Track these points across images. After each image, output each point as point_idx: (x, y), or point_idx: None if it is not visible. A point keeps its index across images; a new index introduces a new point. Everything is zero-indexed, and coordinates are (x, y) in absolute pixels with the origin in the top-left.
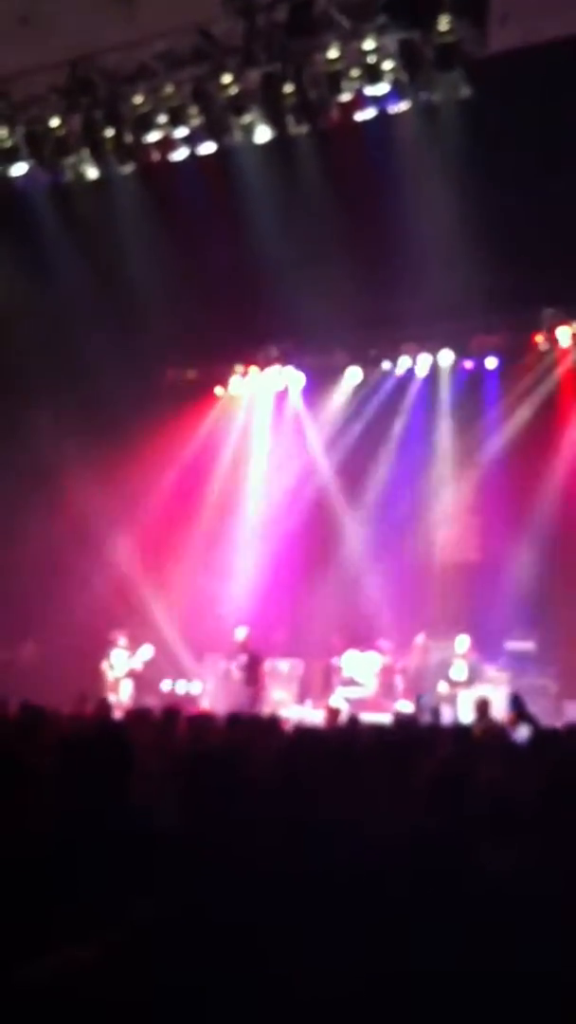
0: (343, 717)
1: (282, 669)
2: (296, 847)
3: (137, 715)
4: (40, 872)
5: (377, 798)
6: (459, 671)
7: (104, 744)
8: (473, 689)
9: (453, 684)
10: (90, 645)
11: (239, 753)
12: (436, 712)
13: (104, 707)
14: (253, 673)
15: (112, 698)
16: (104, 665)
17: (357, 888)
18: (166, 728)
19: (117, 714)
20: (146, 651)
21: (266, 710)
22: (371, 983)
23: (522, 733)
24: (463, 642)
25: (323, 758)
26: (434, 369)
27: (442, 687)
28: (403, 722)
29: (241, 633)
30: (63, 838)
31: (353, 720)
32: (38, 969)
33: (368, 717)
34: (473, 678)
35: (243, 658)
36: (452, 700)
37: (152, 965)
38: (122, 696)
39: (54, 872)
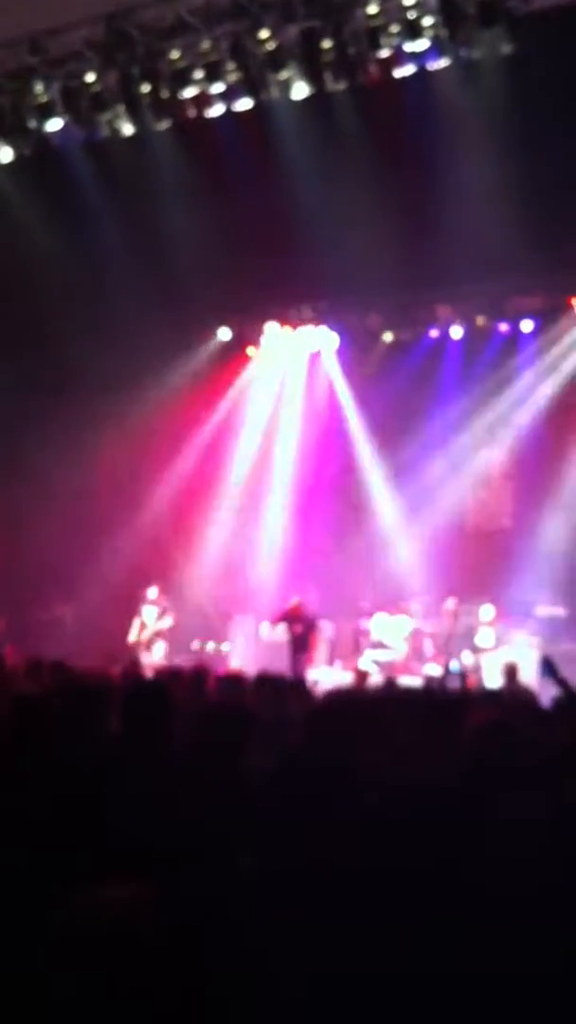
0: (373, 680)
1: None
2: (326, 798)
3: (168, 673)
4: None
5: (407, 757)
6: (485, 639)
7: (143, 698)
8: (499, 653)
9: (478, 651)
10: (124, 605)
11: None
12: (464, 677)
13: (134, 667)
14: (305, 640)
15: (144, 657)
16: (136, 623)
17: (388, 835)
18: (196, 686)
19: (148, 673)
20: (167, 621)
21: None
22: (404, 928)
23: (551, 696)
24: (488, 611)
25: (354, 716)
26: (469, 332)
27: (466, 656)
28: (433, 686)
29: (294, 600)
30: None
31: (390, 682)
32: (77, 901)
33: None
34: (499, 645)
35: (297, 625)
36: (478, 666)
37: (189, 907)
38: (154, 656)
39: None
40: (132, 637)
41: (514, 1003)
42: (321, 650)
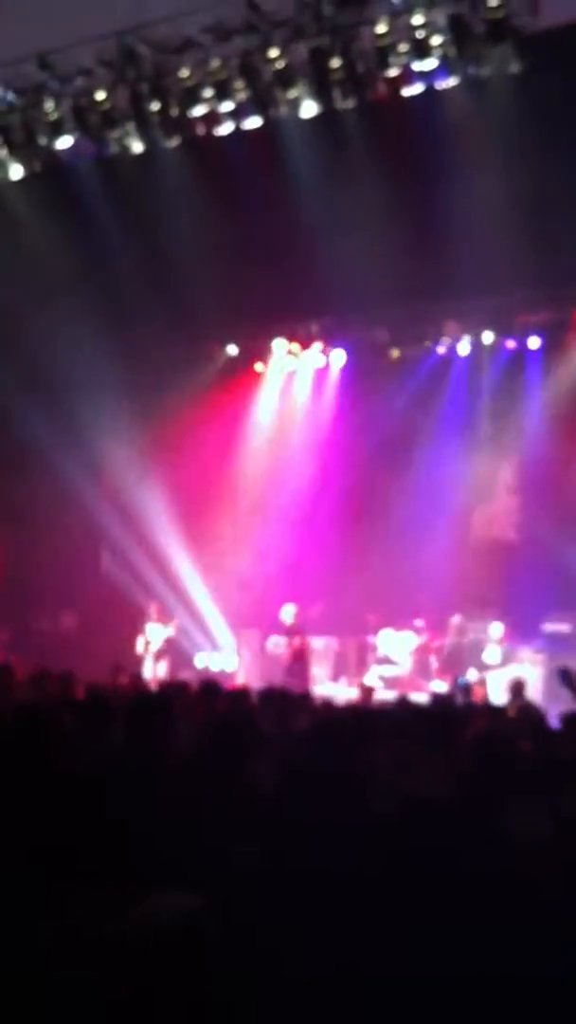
0: (378, 695)
1: (317, 646)
2: (329, 808)
3: (174, 687)
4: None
5: (410, 768)
6: (492, 656)
7: (148, 713)
8: (506, 670)
9: (485, 668)
10: (128, 616)
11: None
12: (468, 692)
13: (139, 680)
14: (303, 653)
15: (147, 670)
16: (139, 639)
17: (391, 843)
18: (205, 700)
19: (152, 687)
20: (171, 627)
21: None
22: (405, 931)
23: (559, 711)
24: (497, 628)
25: (358, 729)
26: (476, 348)
27: (472, 673)
28: (440, 701)
29: (290, 611)
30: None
31: (402, 699)
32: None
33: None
34: (506, 662)
35: (296, 638)
36: (484, 683)
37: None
38: (158, 670)
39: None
40: (139, 649)
41: (515, 1006)
42: (324, 663)
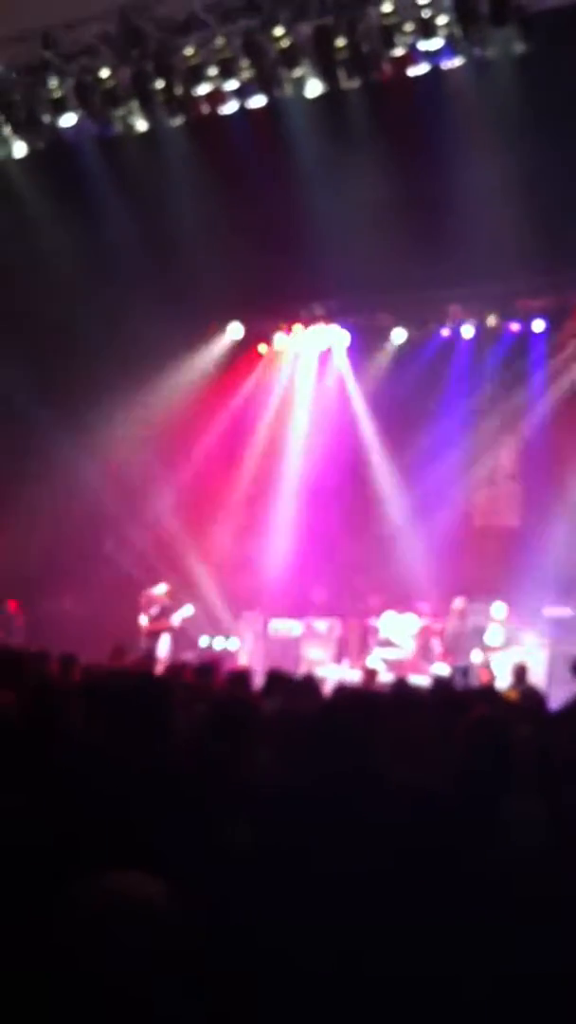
0: (381, 678)
1: (319, 629)
2: (332, 795)
3: (174, 669)
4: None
5: (415, 755)
6: (495, 637)
7: (145, 695)
8: (508, 654)
9: (488, 649)
10: (130, 599)
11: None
12: (466, 674)
13: (147, 662)
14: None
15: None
16: (142, 619)
17: (393, 833)
18: (202, 682)
19: (158, 668)
20: (187, 610)
21: (301, 669)
22: (406, 929)
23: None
24: (500, 609)
25: (363, 715)
26: (480, 331)
27: (476, 655)
28: (441, 685)
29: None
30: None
31: (400, 681)
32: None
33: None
34: (509, 644)
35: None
36: (488, 665)
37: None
38: (159, 651)
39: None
40: (140, 632)
41: (515, 1004)
42: (311, 644)
